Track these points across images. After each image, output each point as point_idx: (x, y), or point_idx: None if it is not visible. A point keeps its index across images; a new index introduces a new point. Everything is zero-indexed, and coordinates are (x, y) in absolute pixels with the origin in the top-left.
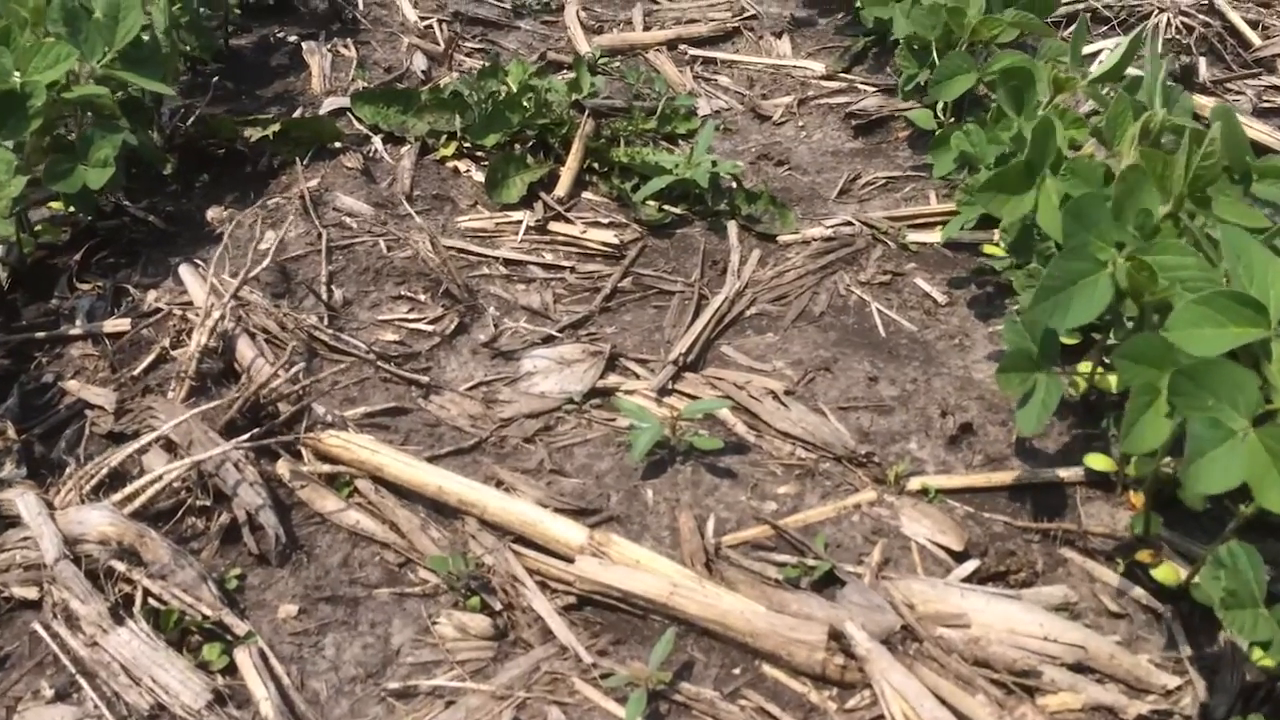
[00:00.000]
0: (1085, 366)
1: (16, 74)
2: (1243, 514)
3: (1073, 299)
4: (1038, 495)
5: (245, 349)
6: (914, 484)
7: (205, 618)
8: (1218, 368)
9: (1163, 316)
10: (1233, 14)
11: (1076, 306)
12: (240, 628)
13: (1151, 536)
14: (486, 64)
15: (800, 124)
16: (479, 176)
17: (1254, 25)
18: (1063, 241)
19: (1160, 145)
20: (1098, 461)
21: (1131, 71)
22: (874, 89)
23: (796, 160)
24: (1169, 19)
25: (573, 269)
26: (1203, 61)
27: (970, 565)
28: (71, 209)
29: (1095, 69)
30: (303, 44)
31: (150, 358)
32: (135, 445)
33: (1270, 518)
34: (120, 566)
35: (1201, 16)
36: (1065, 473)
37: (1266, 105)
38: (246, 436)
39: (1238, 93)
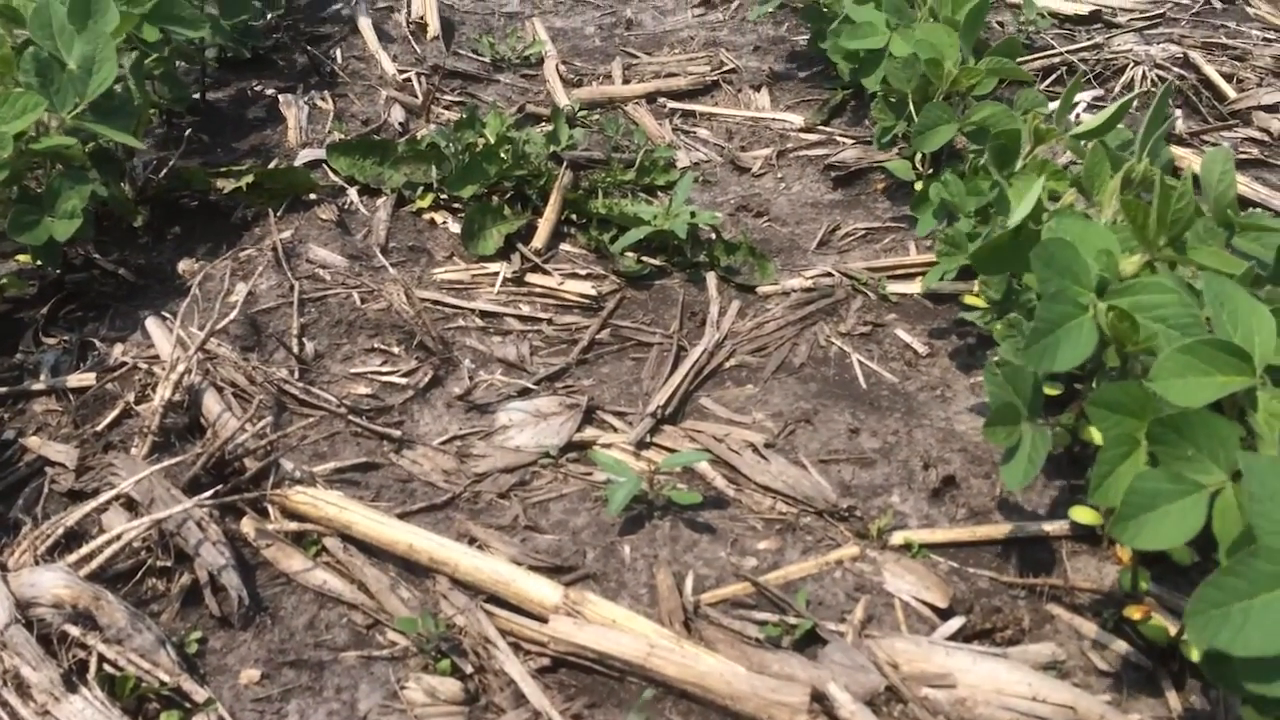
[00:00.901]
0: (1068, 418)
1: None
2: None
3: (1060, 343)
4: (1023, 550)
5: (212, 403)
6: (897, 538)
7: (163, 684)
8: (1201, 419)
9: (1146, 365)
10: (1208, 67)
11: (1064, 350)
12: (200, 694)
13: (1140, 592)
14: (464, 116)
15: (779, 176)
16: (455, 228)
17: (1229, 78)
18: (1038, 287)
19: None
20: (1083, 515)
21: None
22: (852, 141)
23: (776, 211)
24: (1144, 72)
25: (550, 321)
26: (1179, 114)
27: (955, 623)
28: (39, 262)
29: (1081, 124)
30: (280, 97)
31: (114, 413)
32: (94, 504)
33: None
34: (75, 631)
35: (1177, 70)
36: (1050, 526)
37: (1244, 156)
38: (210, 494)
39: (1214, 144)
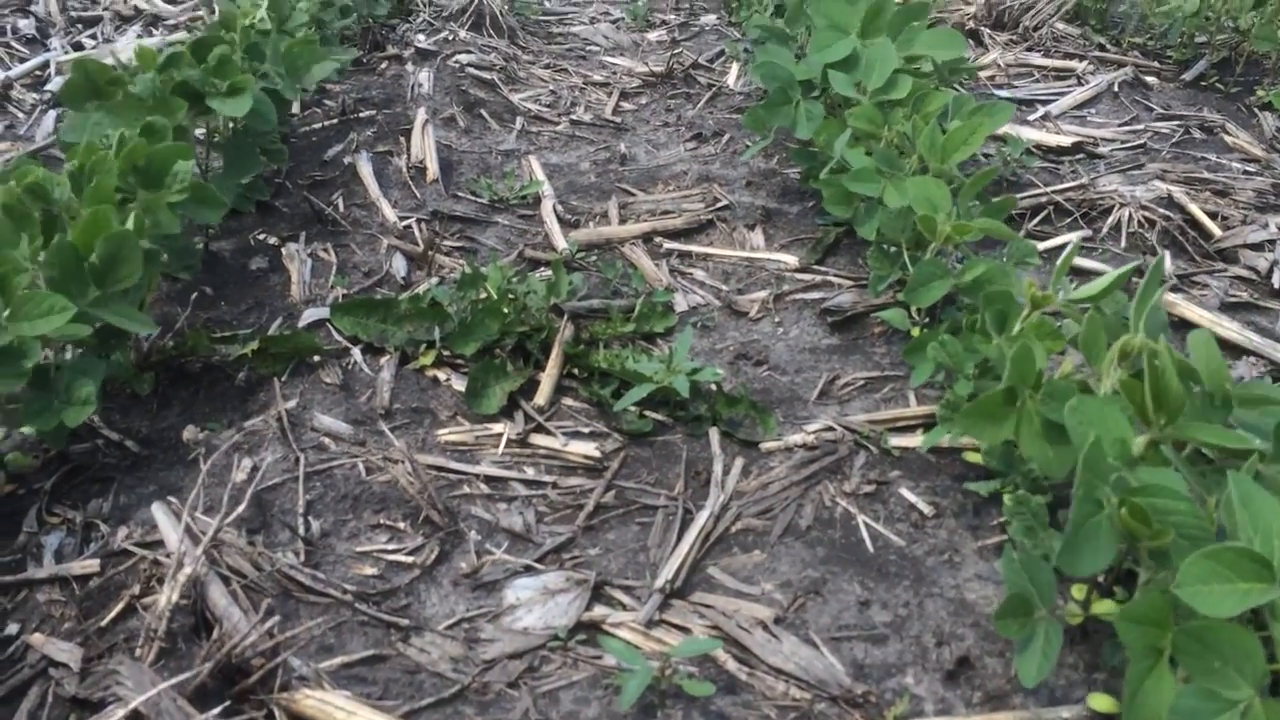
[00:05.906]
0: (1079, 594)
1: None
2: None
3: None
4: None
5: (218, 597)
6: None
7: None
8: (1224, 630)
9: (1158, 559)
10: (1192, 206)
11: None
12: None
13: None
14: (466, 271)
15: (777, 319)
16: (459, 385)
17: (1213, 216)
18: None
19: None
20: (1100, 702)
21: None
22: (849, 283)
23: (775, 359)
24: (1130, 213)
25: (554, 484)
26: (1167, 255)
27: None
28: (43, 440)
29: (1078, 290)
30: (283, 248)
31: (119, 606)
32: None
33: None
34: None
35: (1162, 210)
36: (1068, 713)
37: (1233, 300)
38: (219, 710)
39: (1204, 286)
